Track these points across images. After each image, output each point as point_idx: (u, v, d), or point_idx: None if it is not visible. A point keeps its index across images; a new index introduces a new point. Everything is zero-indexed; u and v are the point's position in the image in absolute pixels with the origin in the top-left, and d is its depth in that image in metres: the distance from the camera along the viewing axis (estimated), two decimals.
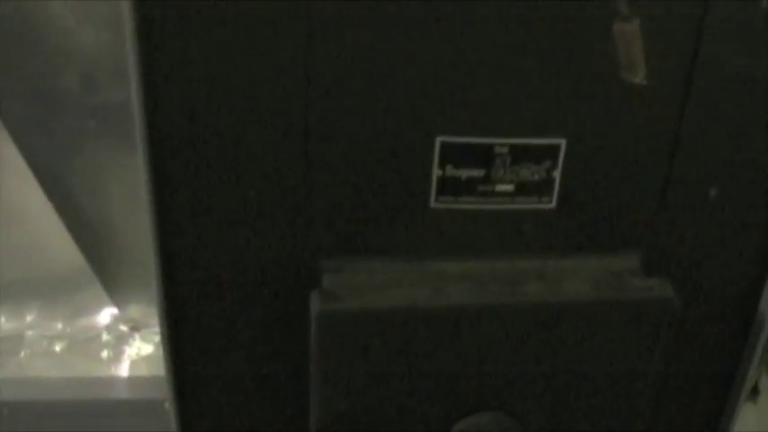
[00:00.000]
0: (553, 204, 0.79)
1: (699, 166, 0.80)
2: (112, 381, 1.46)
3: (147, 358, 1.47)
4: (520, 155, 0.76)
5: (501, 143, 0.75)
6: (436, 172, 0.75)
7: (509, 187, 0.77)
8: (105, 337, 1.49)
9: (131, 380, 1.45)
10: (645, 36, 0.68)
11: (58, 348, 1.48)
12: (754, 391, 2.06)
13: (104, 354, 1.48)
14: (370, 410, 0.79)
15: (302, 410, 0.82)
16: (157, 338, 0.85)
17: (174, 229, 0.75)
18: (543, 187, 0.78)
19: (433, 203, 0.77)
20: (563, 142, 0.76)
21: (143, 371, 1.46)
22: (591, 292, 0.79)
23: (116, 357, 1.48)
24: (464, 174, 0.76)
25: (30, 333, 1.48)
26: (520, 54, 0.72)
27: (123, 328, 1.50)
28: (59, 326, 1.50)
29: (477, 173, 0.76)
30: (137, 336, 1.50)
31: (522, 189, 0.78)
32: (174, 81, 0.69)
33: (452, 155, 0.75)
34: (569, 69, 0.73)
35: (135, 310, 1.49)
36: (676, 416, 0.97)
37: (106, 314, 1.49)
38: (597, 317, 0.79)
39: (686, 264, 0.86)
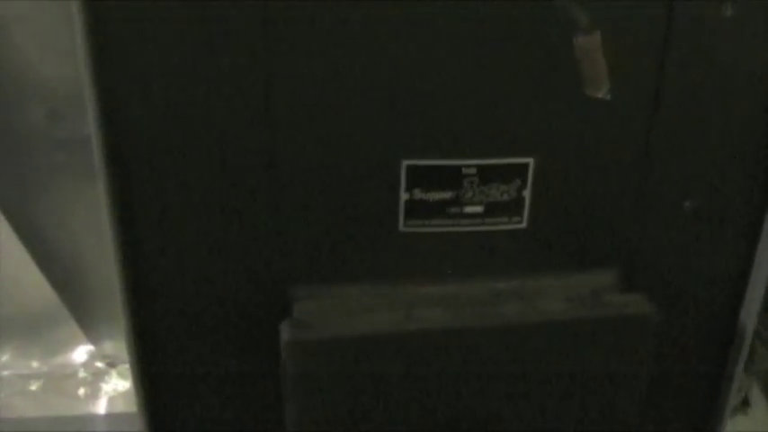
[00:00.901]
0: (524, 224, 0.78)
1: (672, 178, 0.79)
2: (90, 418, 1.44)
3: (125, 394, 1.46)
4: (488, 175, 0.75)
5: (468, 164, 0.75)
6: (403, 196, 0.75)
7: (478, 208, 0.77)
8: (82, 374, 1.48)
9: (109, 417, 1.44)
10: (608, 49, 0.67)
11: (34, 387, 1.46)
12: (745, 403, 2.06)
13: (81, 391, 1.47)
14: None
15: None
16: None
17: (141, 261, 0.75)
18: (513, 207, 0.77)
19: (402, 227, 0.76)
20: (531, 161, 0.75)
21: (121, 407, 1.45)
22: (568, 310, 0.79)
23: (93, 394, 1.47)
24: (432, 197, 0.75)
25: (5, 373, 1.46)
26: (484, 74, 0.71)
27: (99, 364, 1.48)
28: (35, 364, 1.48)
29: (446, 195, 0.75)
30: (113, 372, 1.49)
31: (492, 210, 0.77)
32: (133, 107, 0.68)
33: (419, 178, 0.74)
34: (534, 87, 0.72)
35: (111, 347, 1.47)
36: (663, 429, 0.96)
37: (82, 351, 1.47)
38: (575, 335, 0.78)
39: (664, 278, 0.85)
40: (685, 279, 0.86)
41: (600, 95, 0.68)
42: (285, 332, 0.73)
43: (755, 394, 2.09)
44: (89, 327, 1.41)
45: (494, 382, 0.79)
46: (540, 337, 0.78)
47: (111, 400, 1.47)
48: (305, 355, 0.74)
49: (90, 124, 0.68)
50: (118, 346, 1.45)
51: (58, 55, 1.07)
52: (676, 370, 0.92)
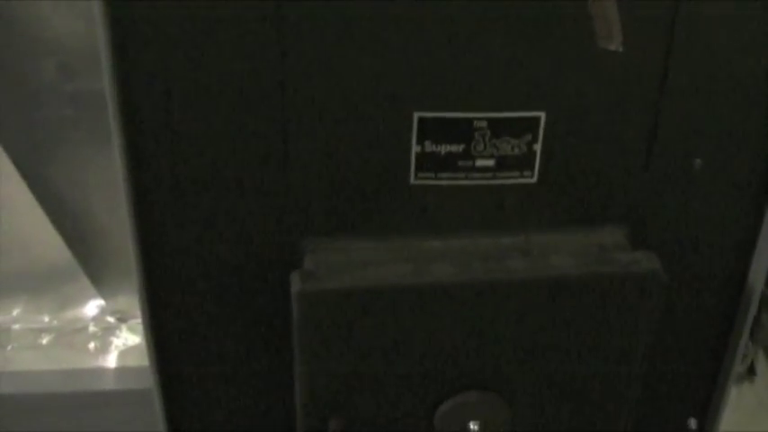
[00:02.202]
0: (534, 179, 0.78)
1: (682, 136, 0.79)
2: (100, 372, 1.45)
3: (135, 349, 1.47)
4: (499, 129, 0.75)
5: (480, 117, 0.74)
6: (415, 148, 0.75)
7: (489, 162, 0.77)
8: (92, 328, 1.49)
9: (119, 371, 1.45)
10: (621, 1, 0.67)
11: (44, 341, 1.47)
12: (751, 371, 2.07)
13: (91, 345, 1.48)
14: (353, 390, 0.79)
15: (289, 393, 0.81)
16: None
17: (153, 216, 0.75)
18: (524, 161, 0.77)
19: (412, 180, 0.76)
20: (543, 115, 0.75)
21: (130, 361, 1.46)
22: (576, 266, 0.79)
23: (103, 349, 1.48)
24: (443, 149, 0.75)
25: (16, 327, 1.48)
26: (496, 27, 0.71)
27: (110, 319, 1.49)
28: (46, 319, 1.49)
29: (457, 148, 0.75)
30: (123, 327, 1.49)
31: (503, 164, 0.77)
32: (148, 66, 0.68)
33: (431, 130, 0.74)
34: (547, 41, 0.72)
35: (121, 302, 1.48)
36: (667, 392, 0.96)
37: (92, 306, 1.48)
38: (583, 291, 0.78)
39: (673, 236, 0.85)
40: (693, 240, 0.86)
41: (612, 48, 0.68)
42: (295, 282, 0.74)
43: (761, 363, 2.10)
44: (100, 281, 1.42)
45: (501, 337, 0.79)
46: (547, 292, 0.78)
47: (121, 354, 1.48)
48: (314, 305, 0.74)
49: (104, 78, 0.68)
50: (129, 300, 1.46)
51: (71, 8, 1.07)
52: (682, 331, 0.92)
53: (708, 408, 0.99)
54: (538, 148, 0.76)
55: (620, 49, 0.68)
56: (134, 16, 0.66)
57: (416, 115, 0.73)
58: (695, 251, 0.87)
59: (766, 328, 2.06)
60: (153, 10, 0.66)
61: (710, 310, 0.92)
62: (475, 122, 0.74)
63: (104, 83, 0.68)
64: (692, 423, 0.99)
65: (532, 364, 0.81)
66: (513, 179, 0.78)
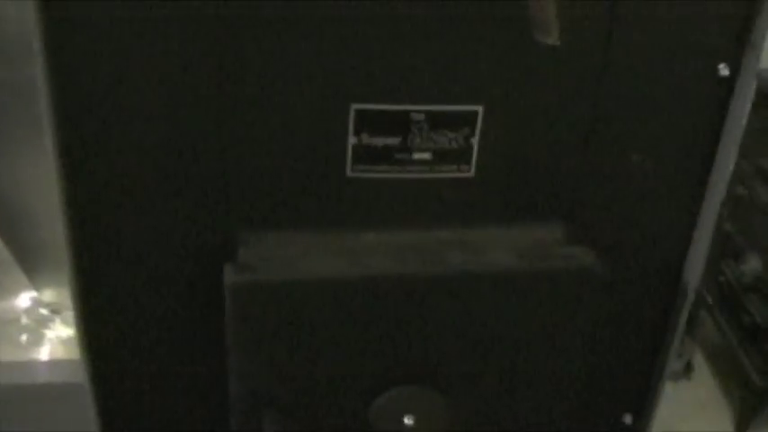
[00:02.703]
0: (472, 173, 0.78)
1: (620, 131, 0.80)
2: (32, 365, 1.43)
3: (68, 341, 1.45)
4: (437, 122, 0.75)
5: (417, 110, 0.74)
6: (351, 140, 0.74)
7: (426, 155, 0.76)
8: (24, 320, 1.47)
9: (52, 363, 1.43)
10: None
11: None
12: (688, 368, 2.10)
13: (24, 338, 1.46)
14: (287, 384, 0.78)
15: (224, 388, 0.80)
16: None
17: (86, 208, 0.74)
18: (461, 155, 0.77)
19: (349, 172, 0.76)
20: (480, 109, 0.75)
21: (64, 354, 1.44)
22: (513, 261, 0.79)
23: (36, 341, 1.46)
24: (380, 142, 0.75)
25: None
26: (434, 20, 0.71)
27: (43, 311, 1.47)
28: None
29: (394, 141, 0.75)
30: (57, 319, 1.47)
31: (441, 157, 0.77)
32: (79, 56, 0.67)
33: (368, 122, 0.74)
34: (485, 35, 0.72)
35: (55, 294, 1.46)
36: (603, 388, 0.97)
37: (25, 297, 1.46)
38: (520, 286, 0.79)
39: (610, 231, 0.86)
40: (629, 235, 0.87)
41: (549, 41, 0.68)
42: (228, 275, 0.73)
43: (699, 360, 2.14)
44: (33, 273, 1.40)
45: (437, 331, 0.79)
46: (484, 287, 0.78)
47: (55, 346, 1.46)
48: (247, 297, 0.73)
49: (37, 68, 0.67)
50: (62, 292, 1.44)
51: None
52: (618, 326, 0.93)
53: (643, 403, 0.99)
54: (475, 141, 0.76)
55: (558, 44, 0.68)
56: (69, 17, 0.65)
57: (353, 107, 0.73)
58: (632, 246, 0.88)
59: (704, 326, 2.10)
60: (86, 9, 0.65)
61: (647, 305, 0.93)
62: (412, 115, 0.74)
63: (37, 74, 0.67)
64: (628, 418, 1.00)
65: (469, 358, 0.81)
66: (450, 173, 0.78)
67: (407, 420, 0.81)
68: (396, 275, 0.76)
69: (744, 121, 0.81)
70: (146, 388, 0.85)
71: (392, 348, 0.79)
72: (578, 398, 0.89)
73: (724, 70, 0.78)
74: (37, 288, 1.44)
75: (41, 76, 0.67)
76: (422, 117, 0.74)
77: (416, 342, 0.79)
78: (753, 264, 1.92)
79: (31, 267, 1.38)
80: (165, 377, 0.85)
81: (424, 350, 0.80)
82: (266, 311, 0.74)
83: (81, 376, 0.83)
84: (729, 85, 0.80)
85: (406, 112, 0.74)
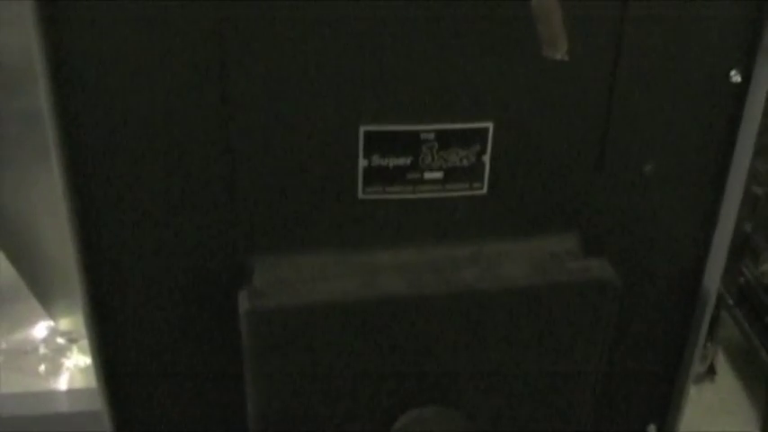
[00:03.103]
0: (484, 190, 0.77)
1: (632, 141, 0.79)
2: (51, 395, 1.43)
3: (86, 370, 1.45)
4: (447, 140, 0.74)
5: (427, 129, 0.74)
6: (362, 162, 0.74)
7: (438, 174, 0.76)
8: (42, 350, 1.47)
9: (70, 393, 1.43)
10: (566, 9, 0.67)
11: None
12: (711, 370, 2.09)
13: (42, 368, 1.46)
14: (307, 408, 0.77)
15: (240, 412, 0.80)
16: None
17: (96, 235, 0.73)
18: (473, 172, 0.76)
19: (360, 194, 0.75)
20: (491, 125, 0.74)
21: (82, 383, 1.44)
22: (529, 275, 0.78)
23: (54, 371, 1.46)
24: (391, 162, 0.74)
25: None
26: (441, 39, 0.70)
27: (60, 340, 1.47)
28: None
29: (405, 161, 0.75)
30: (74, 348, 1.48)
31: (452, 175, 0.76)
32: (85, 83, 0.67)
33: (378, 144, 0.73)
34: (492, 51, 0.72)
35: (71, 322, 1.46)
36: (625, 399, 0.96)
37: (42, 327, 1.46)
38: (537, 301, 0.78)
39: (626, 240, 0.85)
40: (647, 243, 0.86)
41: (558, 57, 0.67)
42: (243, 301, 0.72)
43: (721, 362, 2.12)
44: (49, 302, 1.40)
45: (454, 348, 0.78)
46: (500, 303, 0.77)
47: (73, 375, 1.47)
48: (263, 323, 0.73)
49: (41, 96, 0.66)
50: (79, 321, 1.43)
51: (9, 24, 1.05)
52: (639, 335, 0.92)
53: (667, 412, 0.98)
54: (487, 158, 0.76)
55: (566, 58, 0.67)
56: (72, 35, 0.65)
57: (362, 129, 0.72)
58: (649, 254, 0.87)
59: (725, 327, 2.08)
60: (90, 28, 0.65)
61: (667, 312, 0.92)
62: (422, 135, 0.74)
63: (42, 102, 0.66)
64: (652, 429, 0.99)
65: (488, 375, 0.81)
66: (462, 191, 0.77)
67: None
68: (411, 295, 0.75)
69: (758, 123, 0.81)
70: (164, 414, 0.85)
71: (410, 368, 0.78)
72: (599, 410, 0.88)
73: (736, 76, 0.78)
74: (53, 318, 1.45)
75: (46, 105, 0.67)
76: (432, 136, 0.74)
77: (434, 360, 0.78)
78: None
79: (47, 297, 1.39)
80: (182, 403, 0.85)
81: (442, 368, 0.79)
82: (283, 337, 0.73)
83: (99, 404, 0.83)
84: (742, 88, 0.79)
85: (416, 132, 0.74)
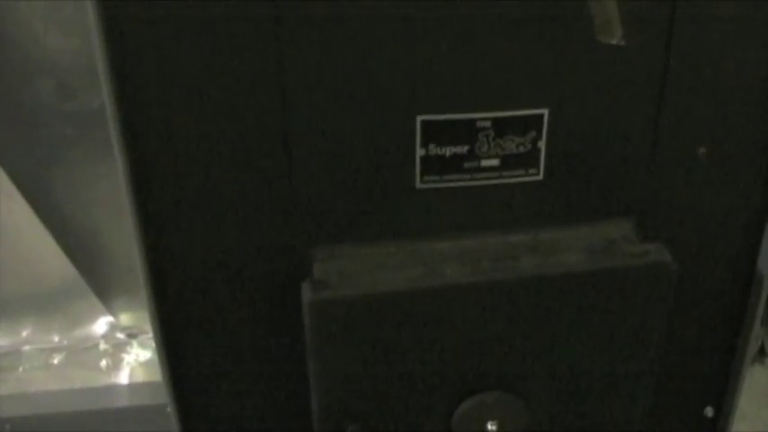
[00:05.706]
0: (540, 176, 0.78)
1: (686, 125, 0.79)
2: (113, 389, 1.45)
3: (146, 364, 1.47)
4: (503, 128, 0.75)
5: (483, 117, 0.74)
6: (419, 152, 0.74)
7: (494, 162, 0.76)
8: (103, 346, 1.49)
9: (131, 387, 1.45)
10: None
11: (56, 361, 1.47)
12: (762, 353, 2.07)
13: (103, 363, 1.48)
14: (369, 396, 0.78)
15: (304, 402, 0.81)
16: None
17: (159, 230, 0.74)
18: (529, 159, 0.77)
19: (418, 184, 0.76)
20: (546, 112, 0.75)
21: (143, 377, 1.46)
22: (586, 261, 0.78)
23: (115, 366, 1.48)
24: (448, 151, 0.75)
25: (27, 348, 1.48)
26: (495, 27, 0.70)
27: (120, 335, 1.49)
28: (56, 338, 1.49)
29: (461, 149, 0.75)
30: (134, 342, 1.50)
31: (508, 162, 0.76)
32: (147, 82, 0.68)
33: (434, 133, 0.74)
34: (547, 38, 0.72)
35: (131, 317, 1.48)
36: (682, 382, 0.96)
37: (102, 323, 1.48)
38: (595, 286, 0.78)
39: (681, 225, 0.85)
40: (701, 227, 0.86)
41: (612, 42, 0.67)
42: (306, 292, 0.73)
43: None
44: (109, 299, 1.43)
45: (514, 335, 0.79)
46: (559, 289, 0.78)
47: (133, 370, 1.48)
48: (326, 314, 0.74)
49: (104, 96, 0.67)
50: (138, 316, 1.46)
51: (63, 27, 1.07)
52: (694, 320, 0.92)
53: (724, 394, 0.98)
54: (542, 145, 0.76)
55: (621, 43, 0.67)
56: (132, 34, 0.66)
57: (419, 119, 0.73)
58: (704, 239, 0.87)
59: None
60: (150, 26, 0.66)
61: (721, 297, 0.91)
62: (478, 123, 0.74)
63: (105, 101, 0.68)
64: (709, 411, 0.99)
65: (547, 361, 0.81)
66: (518, 177, 0.77)
67: (491, 426, 0.81)
68: (471, 283, 0.76)
69: None
70: (228, 407, 0.86)
71: (471, 355, 0.79)
72: (657, 394, 0.88)
73: None
74: (113, 313, 1.47)
75: (109, 104, 0.68)
76: (488, 124, 0.74)
77: (494, 347, 0.79)
78: None
79: (106, 294, 1.41)
80: (247, 395, 0.86)
81: (502, 355, 0.80)
82: (345, 327, 0.74)
83: (161, 398, 0.84)
84: None
85: (472, 121, 0.74)
